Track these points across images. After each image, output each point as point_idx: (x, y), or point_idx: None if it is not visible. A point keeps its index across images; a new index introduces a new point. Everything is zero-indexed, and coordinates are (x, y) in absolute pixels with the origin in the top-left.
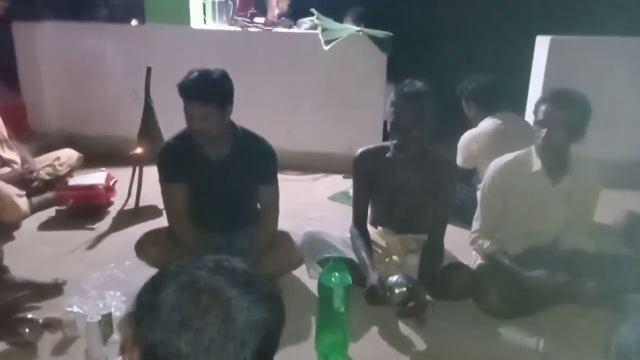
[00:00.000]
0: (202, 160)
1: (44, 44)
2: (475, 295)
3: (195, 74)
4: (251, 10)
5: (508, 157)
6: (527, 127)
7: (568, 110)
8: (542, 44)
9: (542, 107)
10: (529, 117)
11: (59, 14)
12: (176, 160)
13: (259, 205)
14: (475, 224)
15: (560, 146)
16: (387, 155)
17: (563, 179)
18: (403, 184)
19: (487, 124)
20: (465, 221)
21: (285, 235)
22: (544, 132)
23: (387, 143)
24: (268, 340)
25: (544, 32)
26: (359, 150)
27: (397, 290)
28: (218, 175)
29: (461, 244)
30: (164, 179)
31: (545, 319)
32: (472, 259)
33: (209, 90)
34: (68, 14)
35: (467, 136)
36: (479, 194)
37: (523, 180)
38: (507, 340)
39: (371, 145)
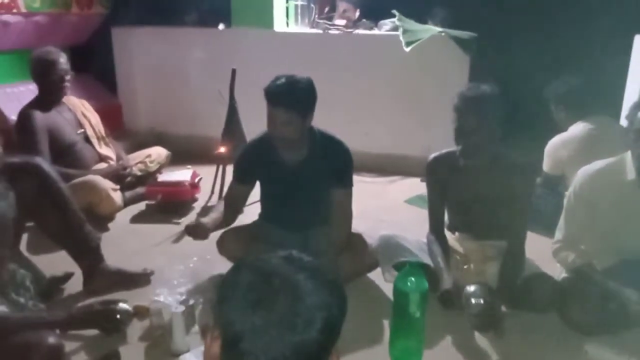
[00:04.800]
0: (278, 162)
1: (138, 49)
2: (561, 309)
3: (283, 80)
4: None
5: (599, 164)
6: (622, 132)
7: None
8: None
9: None
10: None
11: (153, 20)
12: (251, 163)
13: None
14: (558, 234)
15: None
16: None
17: None
18: (476, 190)
19: (578, 128)
20: (550, 229)
21: (359, 237)
22: None
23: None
24: (331, 322)
25: None
26: (431, 156)
27: (473, 301)
28: (294, 177)
29: (544, 253)
30: (235, 178)
31: (636, 338)
32: (557, 271)
33: (294, 98)
34: (161, 19)
35: (555, 141)
36: (565, 201)
37: (615, 190)
38: (594, 359)
39: (443, 151)
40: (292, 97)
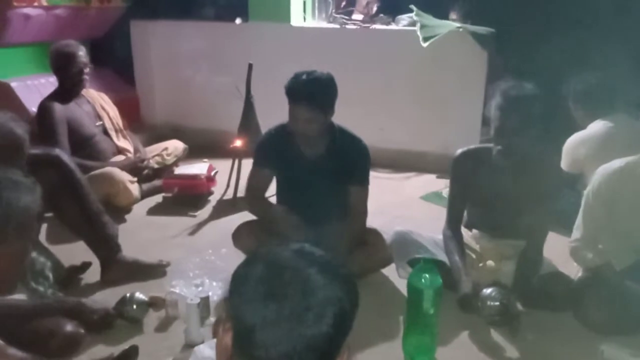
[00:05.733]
0: (297, 156)
1: (157, 42)
2: (576, 308)
3: (304, 77)
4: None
5: (618, 162)
6: None
7: None
8: None
9: None
10: None
11: (171, 14)
12: (271, 150)
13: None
14: (576, 233)
15: None
16: (490, 159)
17: None
18: (503, 189)
19: (597, 126)
20: (567, 228)
21: (375, 233)
22: None
23: (489, 145)
24: (342, 317)
25: None
26: (459, 151)
27: (489, 303)
28: (311, 172)
29: (561, 252)
30: (256, 163)
31: None
32: (574, 270)
33: (317, 96)
34: (179, 13)
35: (574, 139)
36: (584, 200)
37: (635, 189)
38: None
39: (472, 146)
40: (315, 94)
